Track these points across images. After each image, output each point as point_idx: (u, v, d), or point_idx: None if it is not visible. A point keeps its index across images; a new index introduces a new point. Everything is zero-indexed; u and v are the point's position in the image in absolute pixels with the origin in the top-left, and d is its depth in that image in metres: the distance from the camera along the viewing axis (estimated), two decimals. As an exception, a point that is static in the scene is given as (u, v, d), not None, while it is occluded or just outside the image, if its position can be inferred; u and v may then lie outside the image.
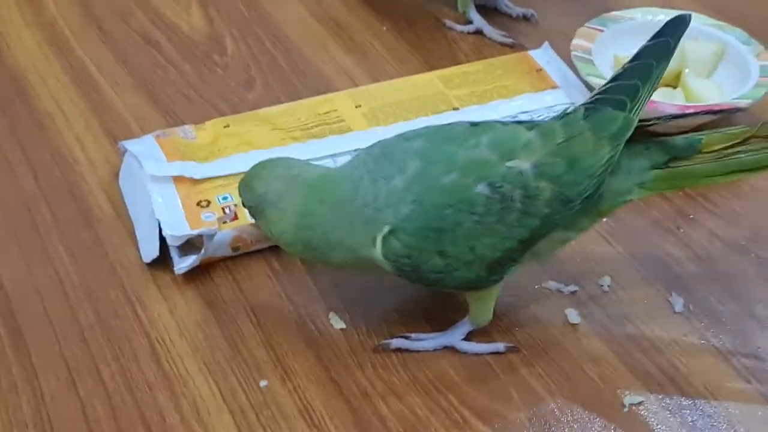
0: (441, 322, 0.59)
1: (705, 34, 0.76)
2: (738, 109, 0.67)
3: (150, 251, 0.62)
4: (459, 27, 0.84)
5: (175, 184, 0.63)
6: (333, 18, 0.85)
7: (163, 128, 0.71)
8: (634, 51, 0.59)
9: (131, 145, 0.67)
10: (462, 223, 0.53)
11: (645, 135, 0.56)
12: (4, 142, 0.72)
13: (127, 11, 0.86)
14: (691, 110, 0.68)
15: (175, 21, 0.85)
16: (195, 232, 0.61)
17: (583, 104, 0.56)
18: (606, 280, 0.62)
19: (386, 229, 0.53)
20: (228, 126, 0.69)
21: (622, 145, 0.55)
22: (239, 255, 0.63)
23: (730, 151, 0.55)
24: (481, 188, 0.53)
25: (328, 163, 0.66)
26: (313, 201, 0.55)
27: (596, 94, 0.56)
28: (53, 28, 0.83)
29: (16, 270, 0.63)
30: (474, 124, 0.56)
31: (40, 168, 0.70)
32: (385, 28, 0.84)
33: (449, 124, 0.57)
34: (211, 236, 0.61)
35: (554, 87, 0.73)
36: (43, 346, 0.58)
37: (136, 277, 0.62)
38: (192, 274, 0.62)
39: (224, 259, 0.63)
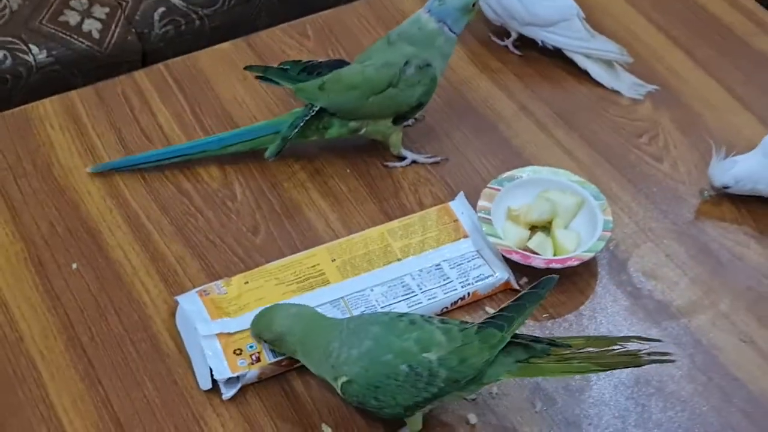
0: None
1: (570, 188, 1.10)
2: (583, 262, 1.03)
3: (205, 383, 0.97)
4: (398, 164, 1.16)
5: (218, 338, 0.98)
6: (311, 162, 1.18)
7: (198, 271, 1.05)
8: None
9: (183, 301, 1.01)
10: (390, 385, 0.88)
11: (514, 343, 0.91)
12: (95, 291, 1.05)
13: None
14: (555, 264, 1.03)
15: (197, 170, 1.17)
16: (235, 374, 0.95)
17: (478, 323, 0.90)
18: (494, 389, 0.98)
19: (344, 378, 0.89)
20: (247, 282, 1.03)
21: (497, 351, 0.89)
22: (263, 381, 0.98)
23: (570, 357, 0.90)
24: (404, 367, 0.88)
25: (316, 312, 1.00)
26: (308, 332, 0.90)
27: (488, 318, 0.91)
28: (110, 180, 1.16)
29: (120, 396, 0.97)
30: (412, 322, 0.90)
31: (122, 311, 1.04)
32: (348, 171, 1.17)
33: (400, 317, 0.91)
34: (245, 375, 0.96)
35: (466, 236, 1.07)
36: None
37: (197, 399, 0.97)
38: (234, 398, 0.97)
39: (254, 384, 0.98)
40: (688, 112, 1.23)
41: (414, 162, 1.16)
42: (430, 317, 0.92)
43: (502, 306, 0.92)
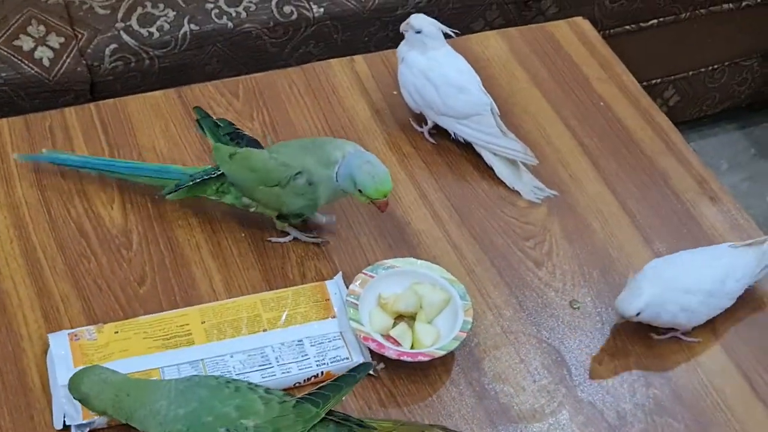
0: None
1: (440, 283, 1.16)
2: (433, 358, 1.09)
3: (58, 423, 1.03)
4: (279, 239, 1.21)
5: (76, 384, 1.04)
6: (210, 222, 1.24)
7: (78, 313, 1.12)
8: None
9: (53, 342, 1.07)
10: None
11: (327, 419, 0.98)
12: (-24, 318, 1.12)
13: (69, 199, 1.24)
14: (406, 357, 1.09)
15: (101, 213, 1.23)
16: (84, 422, 1.02)
17: (297, 398, 0.97)
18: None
19: None
20: (117, 332, 1.09)
21: (310, 426, 0.96)
22: (112, 427, 1.04)
23: None
24: (222, 430, 0.95)
25: (174, 370, 1.06)
26: (128, 394, 0.97)
27: (306, 394, 0.98)
28: (17, 211, 1.22)
29: (-24, 423, 1.04)
30: (237, 389, 0.97)
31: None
32: (243, 235, 1.23)
33: (228, 383, 0.97)
34: (93, 422, 1.02)
35: (333, 317, 1.13)
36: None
37: (48, 437, 1.03)
38: (81, 441, 1.03)
39: (103, 429, 1.04)
40: (579, 221, 1.29)
41: (296, 239, 1.22)
42: (257, 385, 0.99)
43: (321, 384, 1.00)
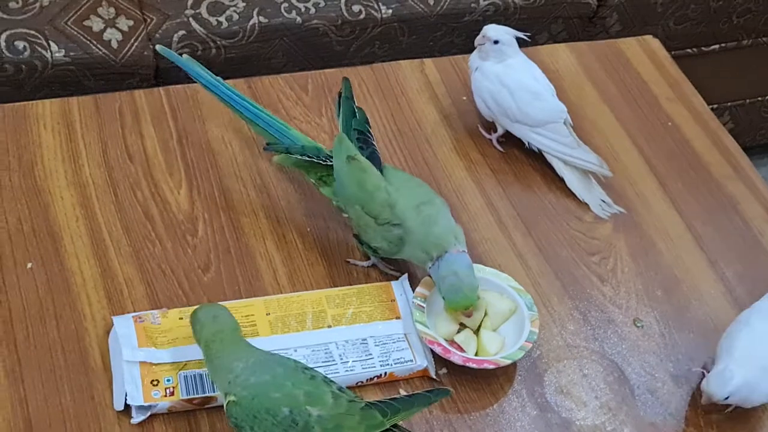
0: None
1: (507, 292, 1.15)
2: (498, 366, 1.07)
3: (119, 404, 1.02)
4: (360, 263, 1.18)
5: (140, 366, 1.03)
6: (275, 214, 1.23)
7: (142, 296, 1.11)
8: None
9: (118, 324, 1.06)
10: (267, 421, 0.94)
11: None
12: (42, 294, 1.11)
13: (136, 182, 1.24)
14: (471, 363, 1.08)
15: (168, 198, 1.23)
16: (146, 404, 1.01)
17: (367, 401, 0.96)
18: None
19: (233, 397, 0.95)
20: (182, 318, 1.08)
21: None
22: (173, 413, 1.03)
23: None
24: (285, 410, 0.94)
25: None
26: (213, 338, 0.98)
27: (378, 401, 0.96)
28: (85, 190, 1.22)
29: (38, 398, 1.03)
30: (312, 377, 0.96)
31: (61, 318, 1.09)
32: (308, 230, 1.22)
33: (306, 369, 0.97)
34: (155, 406, 1.01)
35: (398, 318, 1.12)
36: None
37: (108, 417, 1.02)
38: (142, 424, 1.02)
39: (164, 414, 1.03)
40: (645, 240, 1.28)
41: (374, 265, 1.18)
42: (331, 380, 0.97)
43: (394, 396, 0.97)
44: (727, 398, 1.07)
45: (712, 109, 2.09)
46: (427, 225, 1.11)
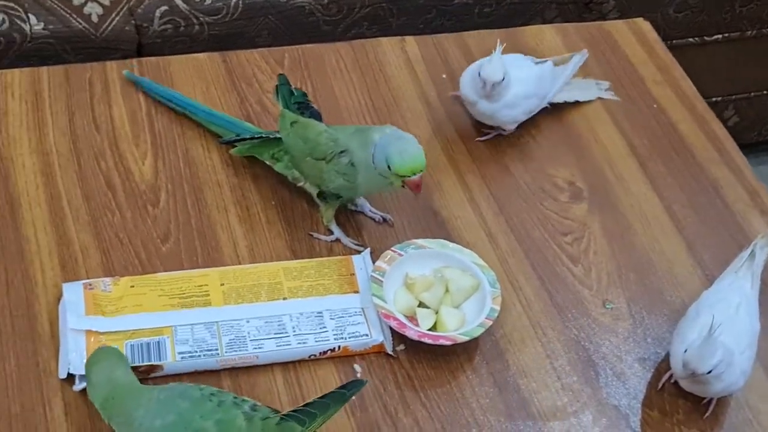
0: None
1: (470, 269, 1.11)
2: (455, 343, 1.04)
3: (63, 371, 1.00)
4: (323, 237, 1.16)
5: (85, 334, 1.01)
6: (240, 187, 1.21)
7: (97, 265, 1.09)
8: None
9: (67, 290, 1.04)
10: None
11: None
12: (-6, 260, 1.10)
13: (100, 151, 1.22)
14: (427, 339, 1.05)
15: (131, 168, 1.21)
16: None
17: (281, 414, 0.92)
18: None
19: None
20: (133, 286, 1.06)
21: None
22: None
23: None
24: None
25: (188, 330, 1.03)
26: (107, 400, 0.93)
27: (292, 410, 0.93)
28: (47, 158, 1.20)
29: (-19, 364, 1.01)
30: (221, 404, 0.91)
31: (12, 284, 1.07)
32: (273, 203, 1.20)
33: (212, 395, 0.92)
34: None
35: (356, 292, 1.09)
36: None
37: (51, 384, 1.00)
38: (84, 391, 1.00)
39: (108, 383, 1.01)
40: (621, 222, 1.24)
41: (338, 240, 1.16)
42: (243, 400, 0.93)
43: (308, 401, 0.95)
44: (710, 372, 1.01)
45: (714, 102, 2.06)
46: (364, 134, 1.12)
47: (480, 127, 1.31)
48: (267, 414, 0.93)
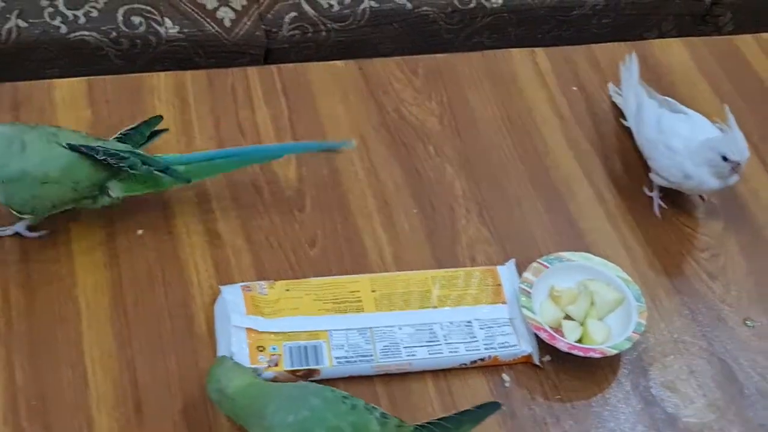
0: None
1: (615, 282, 1.13)
2: (604, 356, 1.06)
3: (223, 371, 1.03)
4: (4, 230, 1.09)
5: (246, 331, 1.04)
6: (383, 194, 1.23)
7: (248, 267, 1.12)
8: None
9: (226, 291, 1.07)
10: None
11: None
12: (152, 260, 1.12)
13: (247, 156, 1.24)
14: (577, 351, 1.06)
15: (276, 172, 1.23)
16: (252, 366, 1.01)
17: (415, 425, 0.93)
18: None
19: None
20: (288, 290, 1.08)
21: None
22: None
23: None
24: None
25: (342, 335, 1.05)
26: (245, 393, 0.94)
27: (427, 422, 0.93)
28: (196, 161, 1.23)
29: (145, 361, 1.04)
30: (354, 407, 0.92)
31: (169, 285, 1.10)
32: (415, 211, 1.22)
33: (345, 398, 0.93)
34: (261, 371, 1.01)
35: (503, 303, 1.11)
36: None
37: (212, 384, 1.03)
38: (244, 392, 1.02)
39: (266, 384, 1.03)
40: (758, 238, 1.24)
41: (17, 234, 1.11)
42: (374, 407, 0.94)
43: (443, 416, 0.96)
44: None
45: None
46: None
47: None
48: (399, 422, 0.94)
